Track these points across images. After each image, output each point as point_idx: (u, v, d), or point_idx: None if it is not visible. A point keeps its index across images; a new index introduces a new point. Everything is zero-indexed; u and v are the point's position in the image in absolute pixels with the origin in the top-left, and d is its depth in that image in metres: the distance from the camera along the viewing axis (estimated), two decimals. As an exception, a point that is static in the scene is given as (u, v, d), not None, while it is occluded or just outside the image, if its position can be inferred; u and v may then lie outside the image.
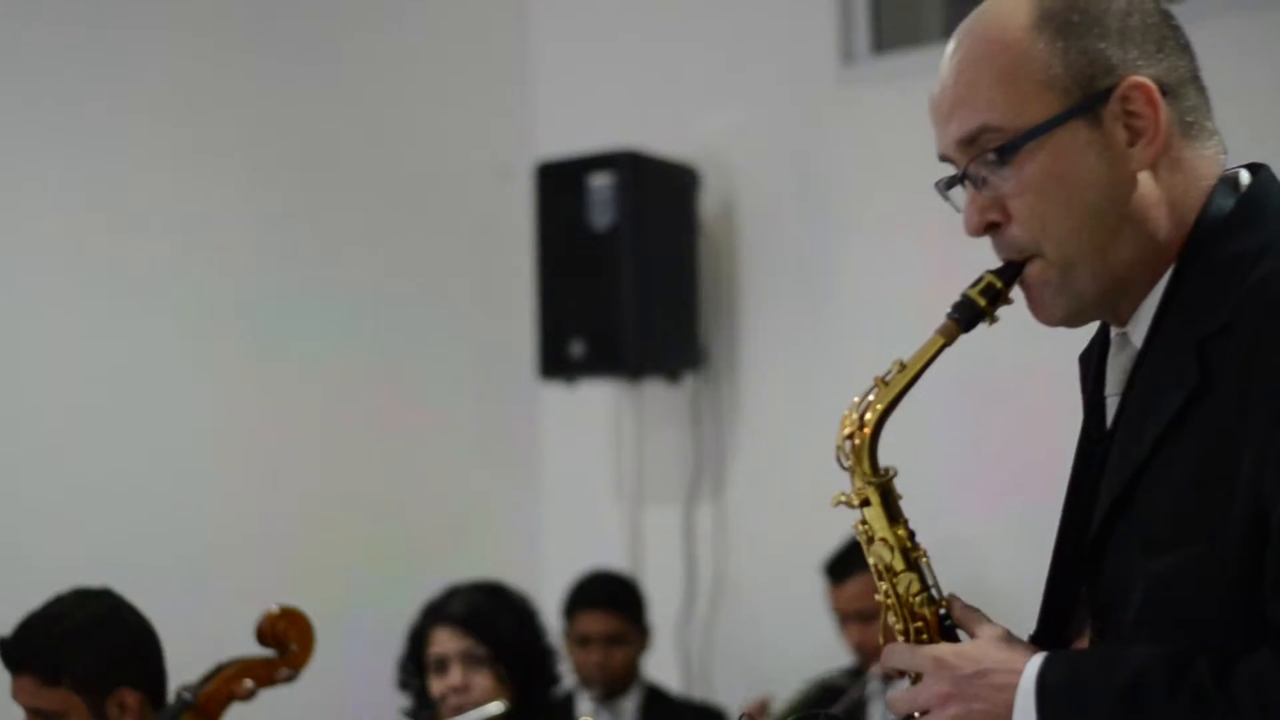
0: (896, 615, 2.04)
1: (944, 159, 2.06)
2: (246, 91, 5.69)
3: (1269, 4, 4.98)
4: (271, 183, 5.72)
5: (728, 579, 5.87)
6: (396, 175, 6.02)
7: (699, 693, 5.71)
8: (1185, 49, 2.00)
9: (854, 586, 5.07)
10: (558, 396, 6.09)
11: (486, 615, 4.07)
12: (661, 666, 5.70)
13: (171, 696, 3.38)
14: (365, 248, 5.92)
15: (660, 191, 5.82)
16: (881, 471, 2.02)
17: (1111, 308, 2.00)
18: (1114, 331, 2.05)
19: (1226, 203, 1.96)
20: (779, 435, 5.79)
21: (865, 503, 2.04)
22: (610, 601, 5.37)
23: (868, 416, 2.01)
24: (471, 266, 6.20)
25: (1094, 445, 2.05)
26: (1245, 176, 1.99)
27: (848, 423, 2.02)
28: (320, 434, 5.75)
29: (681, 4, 6.12)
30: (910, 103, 5.87)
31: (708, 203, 5.92)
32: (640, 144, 5.81)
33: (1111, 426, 2.01)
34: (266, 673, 3.41)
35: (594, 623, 5.32)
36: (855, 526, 2.06)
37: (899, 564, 2.04)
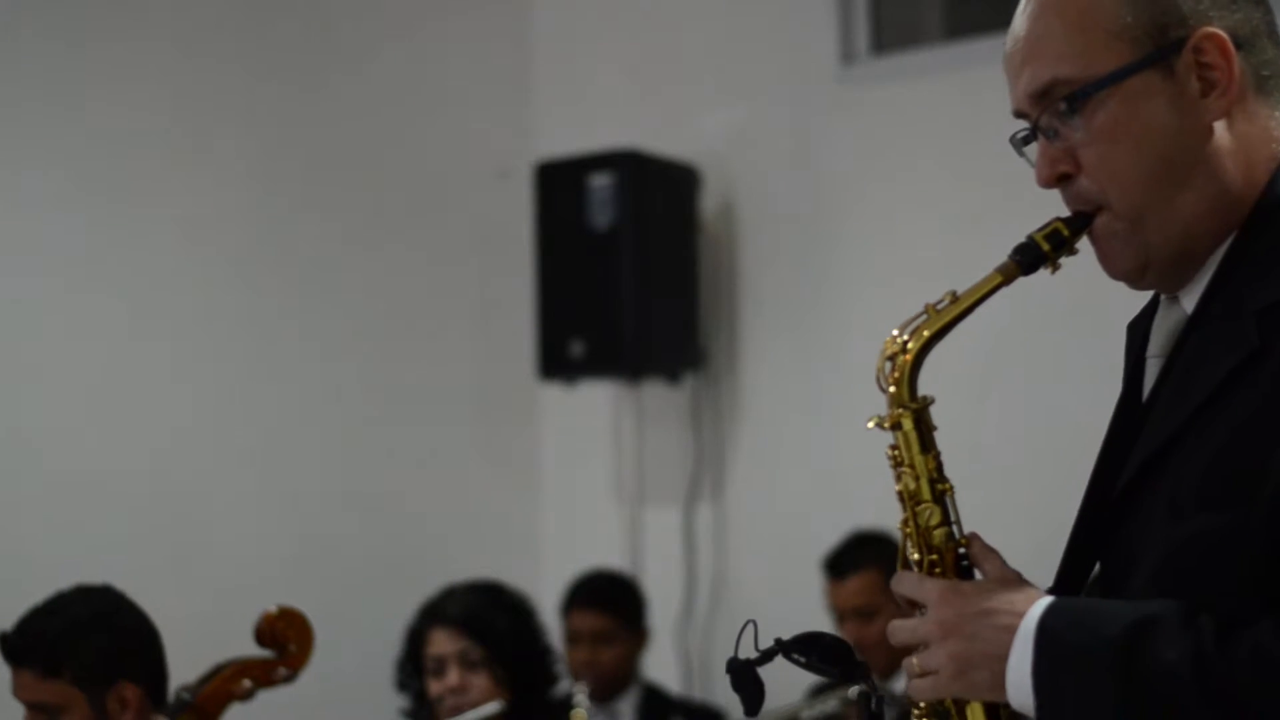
0: (914, 545, 2.01)
1: (1018, 115, 2.03)
2: (247, 91, 5.68)
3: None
4: (272, 183, 5.72)
5: (728, 579, 5.87)
6: (397, 175, 6.02)
7: (699, 693, 5.71)
8: (1260, 2, 2.00)
9: (853, 583, 5.06)
10: (558, 396, 6.08)
11: (484, 616, 4.06)
12: (661, 666, 5.70)
13: (172, 697, 3.39)
14: (365, 247, 5.92)
15: (660, 191, 5.81)
16: (919, 398, 2.01)
17: (1178, 267, 1.98)
18: (1164, 297, 2.03)
19: None
20: (779, 435, 5.78)
21: (897, 426, 2.02)
22: (599, 600, 5.37)
23: (911, 343, 1.99)
24: (471, 266, 6.20)
25: (1132, 407, 2.04)
26: None
27: (891, 345, 2.00)
28: (320, 433, 5.75)
29: (681, 4, 6.11)
30: (910, 103, 5.93)
31: (708, 203, 5.92)
32: (640, 144, 5.81)
33: (1153, 388, 2.00)
34: (265, 673, 3.43)
35: (582, 620, 5.32)
36: (887, 452, 2.03)
37: (924, 493, 2.01)
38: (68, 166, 5.30)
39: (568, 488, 6.21)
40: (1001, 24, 2.08)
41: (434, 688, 4.06)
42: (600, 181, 5.75)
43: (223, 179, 5.60)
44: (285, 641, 3.44)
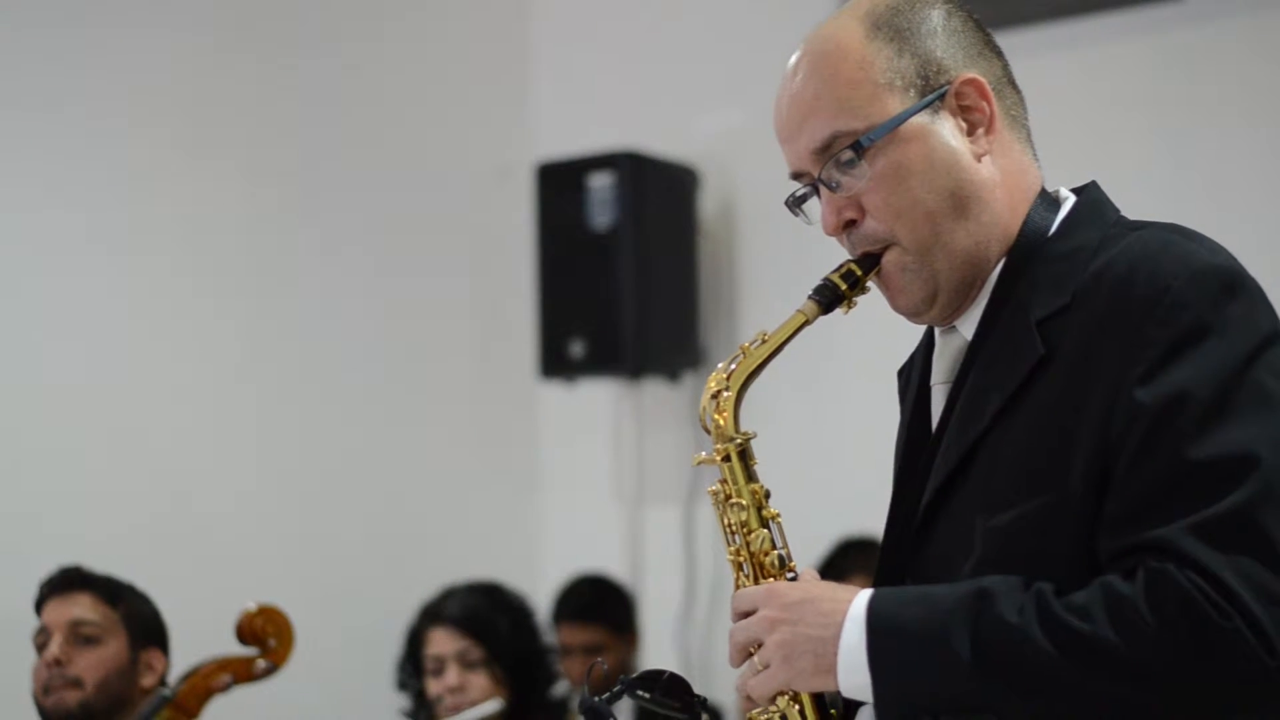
0: (747, 573, 2.18)
1: (795, 176, 2.21)
2: (246, 91, 5.68)
3: (1272, 4, 4.98)
4: (271, 183, 5.72)
5: (728, 579, 5.85)
6: (397, 175, 6.02)
7: (699, 692, 5.70)
8: (999, 53, 2.18)
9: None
10: (558, 396, 6.08)
11: (483, 616, 4.07)
12: (661, 666, 5.69)
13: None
14: (365, 248, 5.92)
15: (660, 191, 5.81)
16: (742, 432, 2.16)
17: (962, 294, 2.12)
18: (938, 331, 2.18)
19: (1050, 214, 2.12)
20: (778, 436, 5.77)
21: (726, 459, 2.16)
22: (587, 614, 5.36)
23: (731, 381, 2.14)
24: (471, 266, 6.20)
25: (922, 434, 2.16)
26: (1065, 191, 2.16)
27: (714, 383, 2.16)
28: (320, 434, 5.74)
29: (681, 4, 6.12)
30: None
31: (708, 203, 5.92)
32: (640, 144, 5.81)
33: (944, 411, 2.12)
34: (245, 668, 3.50)
35: (572, 635, 5.30)
36: (709, 492, 2.19)
37: (753, 522, 2.17)
38: (69, 163, 5.30)
39: (568, 488, 6.21)
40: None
41: (433, 687, 4.07)
42: (600, 182, 5.75)
43: (222, 178, 5.60)
44: (265, 638, 3.51)
